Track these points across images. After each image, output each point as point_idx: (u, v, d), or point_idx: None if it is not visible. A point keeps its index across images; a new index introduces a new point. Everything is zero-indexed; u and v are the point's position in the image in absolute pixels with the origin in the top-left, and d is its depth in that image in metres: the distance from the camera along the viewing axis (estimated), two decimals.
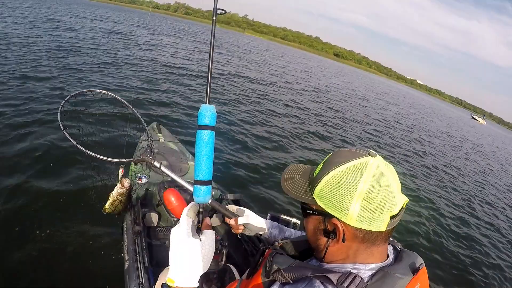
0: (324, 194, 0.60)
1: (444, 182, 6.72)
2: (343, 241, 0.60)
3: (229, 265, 1.32)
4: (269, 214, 1.60)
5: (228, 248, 0.79)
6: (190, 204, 0.75)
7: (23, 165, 2.82)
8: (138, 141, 2.55)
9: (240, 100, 7.70)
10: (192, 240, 0.66)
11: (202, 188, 0.75)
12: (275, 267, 0.65)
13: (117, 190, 1.53)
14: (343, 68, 68.75)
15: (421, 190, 5.56)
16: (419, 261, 0.62)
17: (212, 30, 1.00)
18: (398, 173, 0.62)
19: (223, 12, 1.05)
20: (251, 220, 1.09)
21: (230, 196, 1.76)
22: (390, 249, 0.66)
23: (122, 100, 1.59)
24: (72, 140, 1.26)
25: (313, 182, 0.64)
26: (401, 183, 0.61)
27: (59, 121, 1.31)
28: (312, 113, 8.92)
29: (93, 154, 1.24)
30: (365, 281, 0.56)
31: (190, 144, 4.04)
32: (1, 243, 2.01)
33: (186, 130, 4.74)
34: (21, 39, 8.04)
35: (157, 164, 1.20)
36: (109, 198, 1.57)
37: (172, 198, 1.42)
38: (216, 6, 0.99)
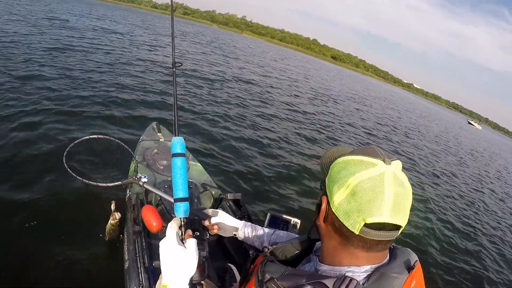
0: (331, 174, 0.64)
1: (442, 186, 6.77)
2: (325, 220, 0.64)
3: (230, 264, 1.32)
4: (269, 214, 1.61)
5: (209, 262, 0.85)
6: (173, 219, 0.83)
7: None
8: (139, 141, 2.57)
9: (241, 102, 7.71)
10: (178, 247, 0.75)
11: (182, 204, 0.85)
12: (267, 276, 0.64)
13: (110, 222, 1.89)
14: (341, 71, 69.02)
15: (421, 195, 5.60)
16: (414, 258, 0.62)
17: (173, 81, 1.46)
18: None
19: (180, 64, 1.57)
20: (223, 220, 1.18)
21: (229, 196, 1.75)
22: None
23: (116, 140, 1.98)
24: (72, 173, 1.67)
25: (332, 163, 0.67)
26: None
27: (64, 162, 1.71)
28: (313, 116, 8.94)
29: (87, 181, 1.66)
30: (361, 283, 0.55)
31: (190, 144, 4.05)
32: (1, 243, 2.00)
33: (186, 130, 4.73)
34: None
35: (140, 183, 1.64)
36: (106, 228, 1.96)
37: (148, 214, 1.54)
38: (174, 59, 1.47)
